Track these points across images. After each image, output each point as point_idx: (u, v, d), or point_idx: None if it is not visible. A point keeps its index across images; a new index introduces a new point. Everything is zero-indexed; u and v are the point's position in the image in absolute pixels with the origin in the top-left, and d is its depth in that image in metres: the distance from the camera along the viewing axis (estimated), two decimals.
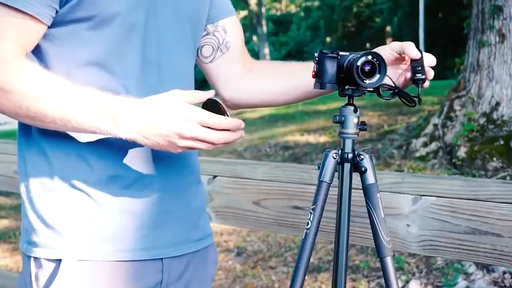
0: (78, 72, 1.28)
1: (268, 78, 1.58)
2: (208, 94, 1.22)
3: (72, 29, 1.26)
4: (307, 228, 1.38)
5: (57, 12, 1.24)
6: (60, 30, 1.27)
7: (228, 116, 1.21)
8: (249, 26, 29.58)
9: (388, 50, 1.44)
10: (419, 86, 1.39)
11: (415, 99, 1.39)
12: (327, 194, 1.38)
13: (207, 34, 1.53)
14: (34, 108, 1.20)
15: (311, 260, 4.12)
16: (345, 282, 1.38)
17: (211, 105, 1.22)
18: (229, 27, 1.55)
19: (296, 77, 1.55)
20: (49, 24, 1.25)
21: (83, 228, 1.30)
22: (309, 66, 1.54)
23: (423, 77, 1.38)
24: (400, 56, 1.43)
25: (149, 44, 1.32)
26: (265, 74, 1.59)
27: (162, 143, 1.20)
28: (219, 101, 1.22)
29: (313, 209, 1.38)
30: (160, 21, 1.34)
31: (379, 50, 1.46)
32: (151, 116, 1.17)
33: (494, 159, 5.97)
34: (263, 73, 1.59)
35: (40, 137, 1.31)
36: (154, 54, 1.33)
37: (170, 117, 1.17)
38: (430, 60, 1.39)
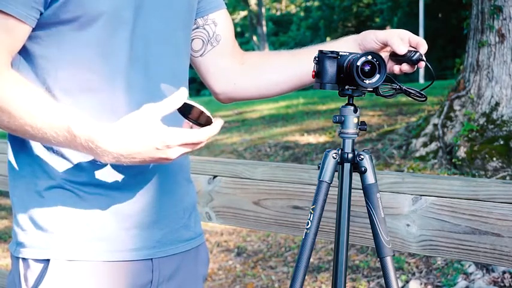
0: (64, 73, 1.27)
1: (260, 71, 1.58)
2: (181, 98, 1.17)
3: (58, 30, 1.25)
4: (307, 228, 1.38)
5: (41, 13, 1.23)
6: (46, 32, 1.26)
7: (206, 114, 1.19)
8: (249, 26, 29.57)
9: (373, 39, 1.45)
10: (418, 63, 1.39)
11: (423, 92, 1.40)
12: (326, 194, 1.39)
13: (197, 28, 1.52)
14: (13, 124, 1.20)
15: (311, 260, 4.11)
16: (345, 282, 1.38)
17: (188, 110, 1.19)
18: (219, 21, 1.54)
19: (288, 67, 1.55)
20: (33, 26, 1.24)
21: (72, 228, 1.30)
22: (299, 54, 1.55)
23: (417, 54, 1.38)
24: (384, 46, 1.44)
25: (137, 42, 1.31)
26: (257, 67, 1.58)
27: (147, 163, 1.20)
28: (193, 104, 1.18)
29: (313, 209, 1.38)
30: (149, 18, 1.32)
31: (364, 37, 1.47)
32: (131, 147, 1.14)
33: (494, 159, 5.97)
34: (255, 65, 1.58)
35: (29, 140, 1.30)
36: (141, 53, 1.32)
37: (151, 146, 1.14)
38: (422, 49, 1.41)
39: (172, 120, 1.19)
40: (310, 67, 1.44)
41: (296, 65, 1.54)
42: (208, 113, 1.19)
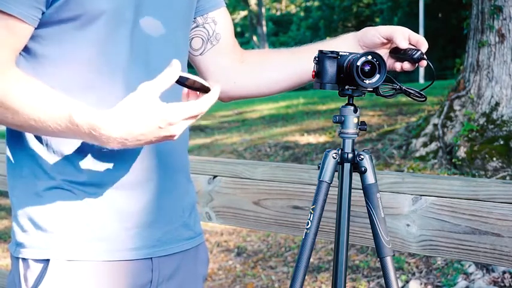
0: (65, 72, 1.27)
1: (260, 69, 1.58)
2: (175, 71, 1.15)
3: (60, 29, 1.25)
4: (307, 228, 1.38)
5: (43, 13, 1.23)
6: (48, 31, 1.26)
7: (203, 84, 1.18)
8: (249, 26, 29.57)
9: (375, 34, 1.46)
10: (417, 64, 1.40)
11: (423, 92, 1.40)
12: (326, 194, 1.39)
13: (197, 26, 1.52)
14: (17, 120, 1.20)
15: (311, 260, 4.11)
16: (345, 282, 1.38)
17: (184, 82, 1.18)
18: (219, 19, 1.54)
19: (288, 65, 1.55)
20: (35, 26, 1.24)
21: (72, 228, 1.30)
22: (299, 52, 1.55)
23: (418, 53, 1.39)
24: (387, 41, 1.44)
25: (137, 41, 1.31)
26: (257, 65, 1.58)
27: (152, 143, 1.19)
28: (189, 76, 1.17)
29: (313, 209, 1.38)
30: (149, 17, 1.32)
31: (365, 33, 1.48)
32: (134, 130, 1.14)
33: (494, 159, 5.97)
34: (255, 64, 1.58)
35: (28, 140, 1.31)
36: (142, 52, 1.32)
37: (154, 126, 1.14)
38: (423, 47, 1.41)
39: (170, 95, 1.18)
40: (310, 65, 1.44)
41: (296, 63, 1.54)
42: (205, 82, 1.19)
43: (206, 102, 1.16)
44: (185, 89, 1.22)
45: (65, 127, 1.17)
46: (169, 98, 1.16)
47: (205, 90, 1.19)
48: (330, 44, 1.50)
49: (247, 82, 1.58)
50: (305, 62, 1.49)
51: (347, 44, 1.49)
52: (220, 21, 1.54)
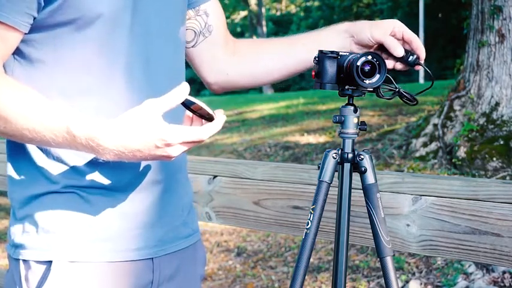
0: (61, 76, 1.26)
1: (253, 60, 1.58)
2: (183, 93, 1.15)
3: (54, 33, 1.23)
4: (307, 228, 1.38)
5: (34, 18, 1.21)
6: (42, 35, 1.24)
7: (208, 111, 1.18)
8: (249, 26, 29.58)
9: (368, 36, 1.45)
10: (414, 67, 1.41)
11: (416, 97, 1.41)
12: (326, 194, 1.39)
13: (189, 19, 1.51)
14: (10, 129, 1.18)
15: (311, 260, 4.11)
16: (345, 282, 1.38)
17: (189, 106, 1.19)
18: (211, 11, 1.53)
19: (281, 55, 1.55)
20: (26, 32, 1.22)
21: (74, 229, 1.29)
22: (292, 42, 1.55)
23: (414, 57, 1.39)
24: (378, 45, 1.44)
25: (136, 40, 1.29)
26: (250, 56, 1.58)
27: (148, 160, 1.20)
28: (195, 100, 1.17)
29: (313, 209, 1.38)
30: (146, 16, 1.31)
31: (359, 31, 1.47)
32: (131, 144, 1.13)
33: (494, 159, 5.97)
34: (247, 54, 1.58)
35: (28, 144, 1.29)
36: (141, 50, 1.30)
37: (151, 144, 1.13)
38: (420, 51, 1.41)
39: (173, 116, 1.18)
40: (303, 54, 1.46)
41: (288, 52, 1.54)
42: (210, 111, 1.19)
43: (207, 130, 1.16)
44: (189, 112, 1.21)
45: (62, 138, 1.16)
46: (172, 119, 1.15)
47: (209, 118, 1.19)
48: (319, 34, 1.51)
49: (240, 73, 1.58)
50: (299, 51, 1.50)
51: (338, 38, 1.49)
52: (212, 13, 1.53)
